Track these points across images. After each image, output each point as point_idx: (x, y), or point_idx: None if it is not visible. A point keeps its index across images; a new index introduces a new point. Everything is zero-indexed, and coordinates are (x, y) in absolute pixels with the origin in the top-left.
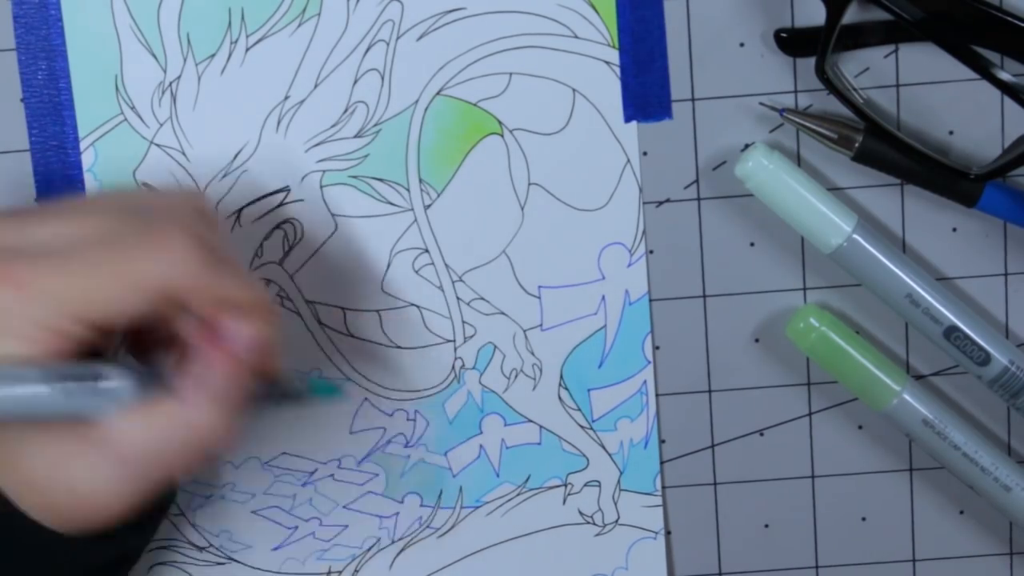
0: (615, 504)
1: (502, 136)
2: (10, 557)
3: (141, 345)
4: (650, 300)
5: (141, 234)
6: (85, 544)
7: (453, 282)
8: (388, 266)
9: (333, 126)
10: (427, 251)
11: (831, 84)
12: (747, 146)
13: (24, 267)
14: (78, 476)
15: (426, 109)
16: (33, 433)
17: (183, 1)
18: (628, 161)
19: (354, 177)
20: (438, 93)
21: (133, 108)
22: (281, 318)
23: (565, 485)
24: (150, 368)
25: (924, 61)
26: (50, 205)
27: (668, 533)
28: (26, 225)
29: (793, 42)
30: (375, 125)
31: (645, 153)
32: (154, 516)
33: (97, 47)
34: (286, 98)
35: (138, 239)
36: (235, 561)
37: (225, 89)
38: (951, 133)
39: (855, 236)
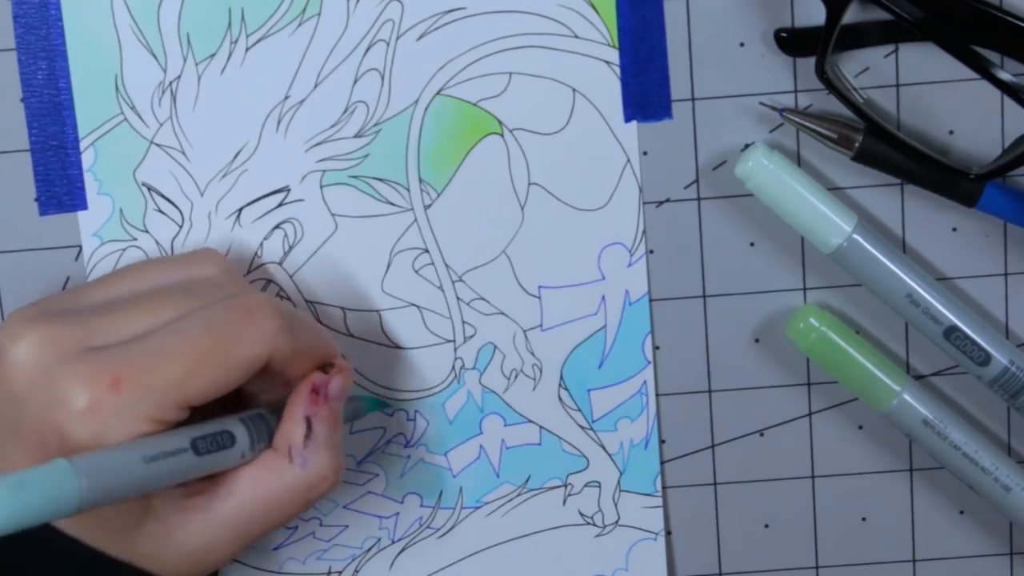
0: (615, 505)
1: (502, 136)
2: None
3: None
4: (650, 300)
5: (230, 313)
6: None
7: (453, 282)
8: (388, 266)
9: (333, 126)
10: (427, 251)
11: (831, 84)
12: (747, 146)
13: (118, 364)
14: (190, 541)
15: (426, 109)
16: (150, 501)
17: (183, 1)
18: (628, 161)
19: (354, 177)
20: (438, 93)
21: (133, 108)
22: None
23: (565, 486)
24: (256, 414)
25: (924, 61)
26: (101, 291)
27: (668, 533)
28: (103, 318)
29: (793, 42)
30: (375, 125)
31: (645, 153)
32: None
33: (97, 47)
34: (286, 98)
35: (228, 319)
36: (235, 561)
37: (225, 89)
38: (951, 133)
39: (855, 236)
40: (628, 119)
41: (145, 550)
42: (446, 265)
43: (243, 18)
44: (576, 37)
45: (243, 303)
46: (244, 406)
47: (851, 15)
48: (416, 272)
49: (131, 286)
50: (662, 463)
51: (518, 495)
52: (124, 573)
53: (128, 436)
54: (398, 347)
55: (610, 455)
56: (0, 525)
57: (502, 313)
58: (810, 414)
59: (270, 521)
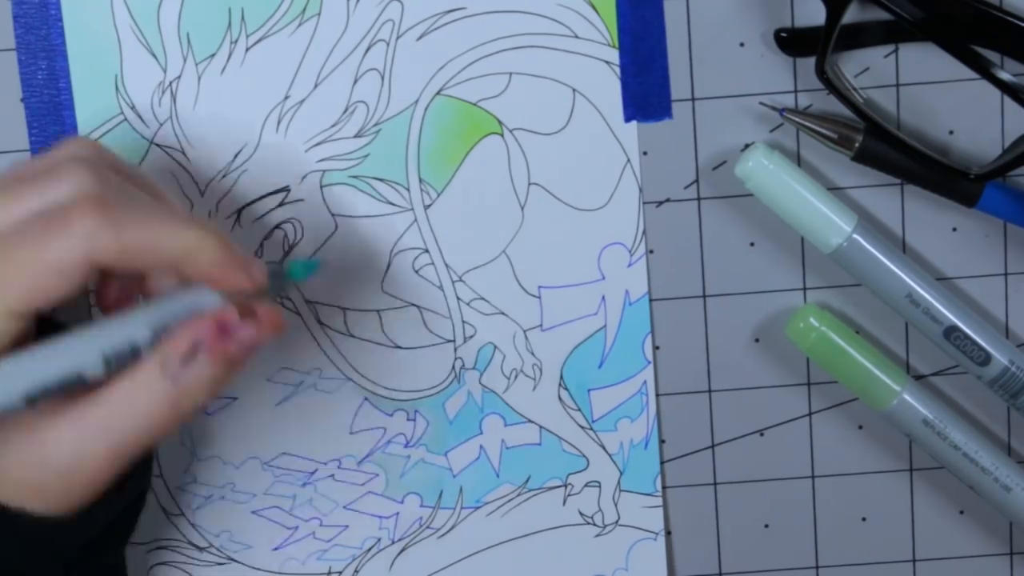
0: (615, 505)
1: (502, 136)
2: None
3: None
4: (650, 300)
5: (45, 216)
6: (72, 521)
7: (453, 282)
8: (388, 266)
9: (333, 126)
10: (427, 251)
11: (831, 84)
12: (747, 146)
13: None
14: (57, 456)
15: (426, 109)
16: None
17: (183, 1)
18: (628, 161)
19: (354, 177)
20: (438, 93)
21: (133, 108)
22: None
23: (565, 486)
24: (128, 348)
25: (924, 61)
26: None
27: (668, 533)
28: None
29: (793, 42)
30: (375, 125)
31: (645, 153)
32: (137, 479)
33: (97, 47)
34: (286, 98)
35: (42, 221)
36: (235, 561)
37: (225, 89)
38: (951, 133)
39: (855, 236)
40: (628, 119)
41: (13, 473)
42: (446, 265)
43: (243, 18)
44: (576, 37)
45: (63, 201)
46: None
47: (851, 15)
48: (416, 272)
49: None
50: (662, 463)
51: (518, 495)
52: None
53: None
54: (398, 347)
55: (610, 455)
56: None
57: (502, 313)
58: (810, 414)
59: (141, 433)
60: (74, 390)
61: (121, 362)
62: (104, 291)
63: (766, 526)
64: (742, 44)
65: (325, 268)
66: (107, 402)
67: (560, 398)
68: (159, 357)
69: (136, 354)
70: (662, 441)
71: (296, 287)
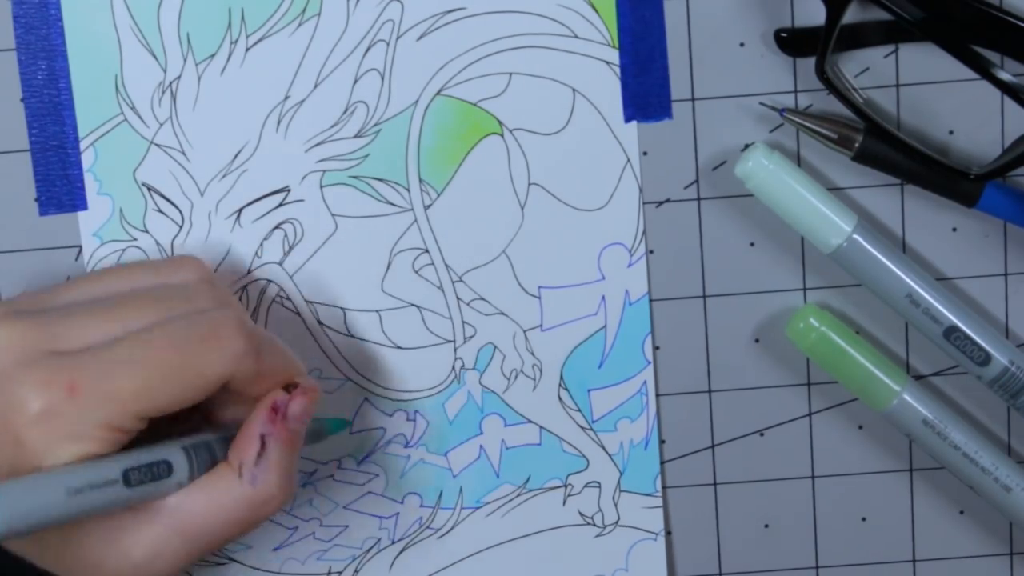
0: (615, 505)
1: (502, 136)
2: None
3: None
4: (650, 300)
5: (195, 329)
6: None
7: (453, 282)
8: (388, 266)
9: (333, 126)
10: (427, 251)
11: (831, 84)
12: (747, 146)
13: (76, 370)
14: (136, 550)
15: (426, 109)
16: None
17: (183, 1)
18: (628, 161)
19: (354, 177)
20: (438, 93)
21: (133, 108)
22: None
23: (565, 486)
24: (201, 441)
25: (924, 61)
26: (73, 294)
27: (668, 533)
28: (68, 323)
29: (793, 42)
30: (375, 125)
31: (645, 153)
32: None
33: (97, 47)
34: (286, 98)
35: (192, 335)
36: (235, 561)
37: (225, 89)
38: (951, 133)
39: (855, 236)
40: (628, 119)
41: (90, 559)
42: (446, 265)
43: (243, 18)
44: (576, 37)
45: (210, 320)
46: (201, 419)
47: (851, 15)
48: (416, 272)
49: (105, 289)
50: (662, 463)
51: (518, 495)
52: None
53: (81, 439)
54: (398, 347)
55: (610, 455)
56: None
57: (502, 313)
58: (810, 414)
59: (217, 535)
60: (163, 482)
61: (200, 458)
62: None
63: (766, 526)
64: (742, 44)
65: (350, 427)
66: (188, 505)
67: (560, 398)
68: (234, 463)
69: (212, 453)
70: (662, 441)
71: (299, 291)
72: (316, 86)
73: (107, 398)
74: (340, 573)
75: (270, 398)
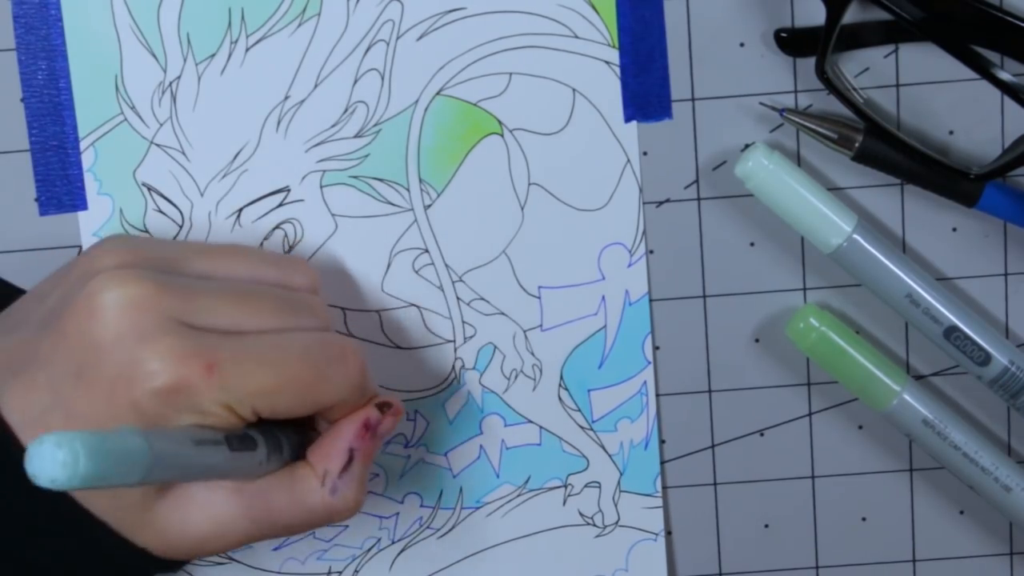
0: (615, 505)
1: (502, 136)
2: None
3: None
4: (650, 300)
5: (327, 350)
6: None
7: (453, 282)
8: (388, 266)
9: (333, 126)
10: (427, 251)
11: (831, 84)
12: (747, 146)
13: (216, 352)
14: (204, 524)
15: (426, 109)
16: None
17: (183, 1)
18: (628, 161)
19: (354, 177)
20: (438, 93)
21: (133, 108)
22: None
23: (565, 486)
24: (270, 431)
25: (924, 61)
26: (198, 263)
27: (668, 533)
28: (203, 299)
29: (793, 42)
30: (375, 125)
31: (645, 153)
32: None
33: (97, 47)
34: (286, 98)
35: (324, 355)
36: (235, 561)
37: (225, 89)
38: (951, 133)
39: (855, 236)
40: (628, 119)
41: (161, 523)
42: (446, 265)
43: (243, 18)
44: (576, 37)
45: (340, 344)
46: None
47: (851, 15)
48: (416, 272)
49: (226, 268)
50: (662, 463)
51: (518, 495)
52: (119, 546)
53: (203, 414)
54: (398, 347)
55: (610, 455)
56: (76, 483)
57: (502, 313)
58: (810, 414)
59: (281, 527)
60: (237, 451)
61: (268, 440)
62: None
63: (766, 526)
64: (742, 44)
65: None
66: (266, 494)
67: (560, 398)
68: (319, 470)
69: (254, 444)
70: (662, 441)
71: None
72: (316, 86)
73: (239, 388)
74: (340, 573)
75: (363, 413)
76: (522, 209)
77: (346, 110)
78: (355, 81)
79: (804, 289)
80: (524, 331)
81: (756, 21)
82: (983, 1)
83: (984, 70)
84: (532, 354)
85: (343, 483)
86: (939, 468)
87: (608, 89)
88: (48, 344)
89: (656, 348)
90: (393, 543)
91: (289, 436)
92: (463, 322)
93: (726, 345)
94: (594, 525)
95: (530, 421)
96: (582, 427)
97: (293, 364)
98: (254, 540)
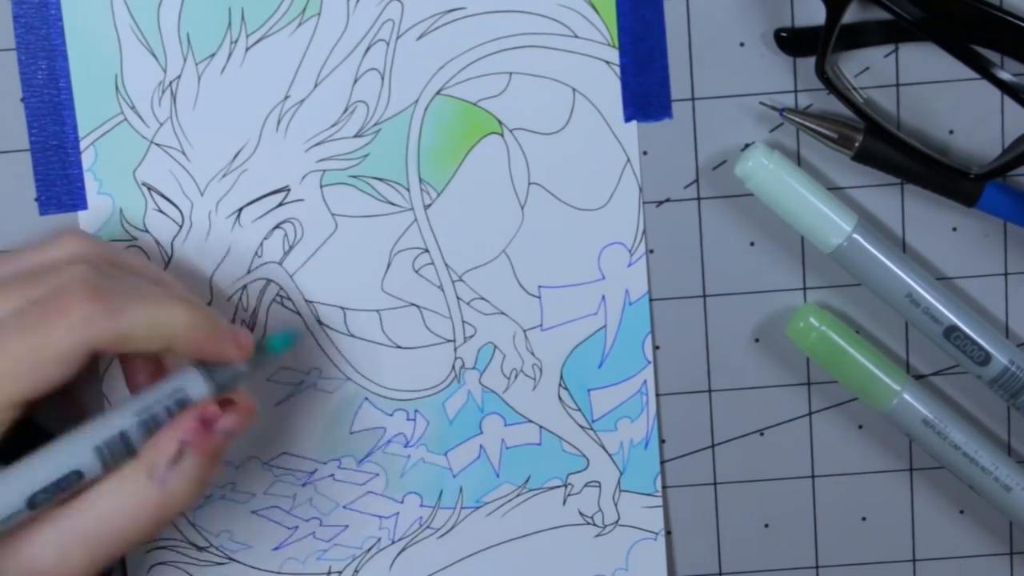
0: (615, 505)
1: (502, 136)
2: None
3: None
4: (650, 300)
5: (42, 307)
6: None
7: (453, 282)
8: (388, 266)
9: (333, 126)
10: (427, 251)
11: (831, 84)
12: (747, 146)
13: None
14: (41, 559)
15: (426, 109)
16: None
17: (183, 1)
18: (628, 161)
19: (354, 177)
20: (438, 93)
21: (133, 108)
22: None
23: (565, 486)
24: (117, 434)
25: (924, 61)
26: None
27: (668, 533)
28: None
29: (793, 42)
30: (375, 125)
31: (645, 153)
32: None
33: (97, 47)
34: (286, 98)
35: (39, 313)
36: (235, 561)
37: (225, 89)
38: (951, 133)
39: (855, 236)
40: (628, 119)
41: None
42: (446, 265)
43: (243, 18)
44: (576, 37)
45: (57, 293)
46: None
47: (851, 15)
48: (416, 272)
49: None
50: (662, 463)
51: (518, 495)
52: None
53: None
54: (398, 347)
55: (610, 455)
56: None
57: (502, 313)
58: (810, 414)
59: (121, 538)
60: (73, 488)
61: (116, 456)
62: (130, 373)
63: (766, 526)
64: (742, 44)
65: (299, 337)
66: (92, 506)
67: (560, 398)
68: (146, 462)
69: (128, 445)
70: (662, 441)
71: (299, 291)
72: (316, 86)
73: None
74: (340, 573)
75: (199, 408)
76: (522, 209)
77: (346, 110)
78: (355, 81)
79: (804, 289)
80: (524, 331)
81: (756, 21)
82: (983, 1)
83: (984, 70)
84: (532, 354)
85: (173, 476)
86: (939, 468)
87: (608, 89)
88: None
89: (656, 348)
90: (393, 543)
91: (140, 428)
92: (463, 322)
93: (726, 345)
94: (594, 524)
95: (530, 421)
96: (582, 427)
97: (7, 340)
98: (104, 558)
